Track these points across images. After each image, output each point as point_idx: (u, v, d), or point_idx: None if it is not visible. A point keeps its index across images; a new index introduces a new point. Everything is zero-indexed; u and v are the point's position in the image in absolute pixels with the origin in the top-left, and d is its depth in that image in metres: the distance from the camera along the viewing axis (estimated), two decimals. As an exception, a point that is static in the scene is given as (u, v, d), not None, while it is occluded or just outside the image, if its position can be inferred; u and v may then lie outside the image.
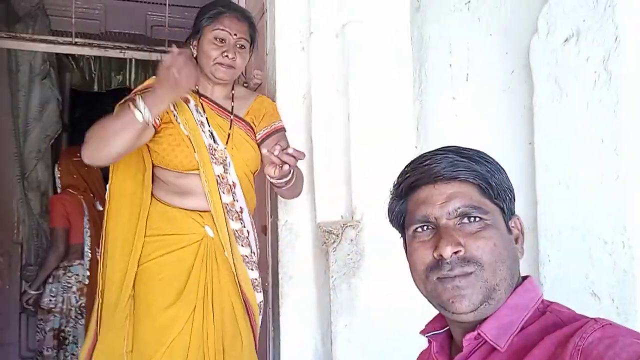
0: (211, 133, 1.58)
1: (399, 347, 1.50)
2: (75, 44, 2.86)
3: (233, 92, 1.69)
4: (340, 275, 1.55)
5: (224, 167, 1.58)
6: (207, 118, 1.60)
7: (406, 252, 0.83)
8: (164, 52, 3.03)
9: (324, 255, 1.62)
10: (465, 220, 0.75)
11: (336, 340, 1.54)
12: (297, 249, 1.75)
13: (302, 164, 1.67)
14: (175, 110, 1.56)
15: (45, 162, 3.88)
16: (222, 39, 1.56)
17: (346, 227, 1.58)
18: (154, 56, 3.07)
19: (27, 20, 3.60)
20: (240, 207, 1.61)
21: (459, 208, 0.75)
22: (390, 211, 0.85)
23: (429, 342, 0.85)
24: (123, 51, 3.01)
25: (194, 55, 1.60)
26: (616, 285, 1.08)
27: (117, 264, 1.54)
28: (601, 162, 1.12)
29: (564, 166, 1.22)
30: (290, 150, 1.31)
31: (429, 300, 0.80)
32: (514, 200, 0.81)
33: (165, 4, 3.31)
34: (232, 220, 1.58)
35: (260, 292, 1.60)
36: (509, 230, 0.79)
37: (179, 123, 1.55)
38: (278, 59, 1.85)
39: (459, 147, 0.81)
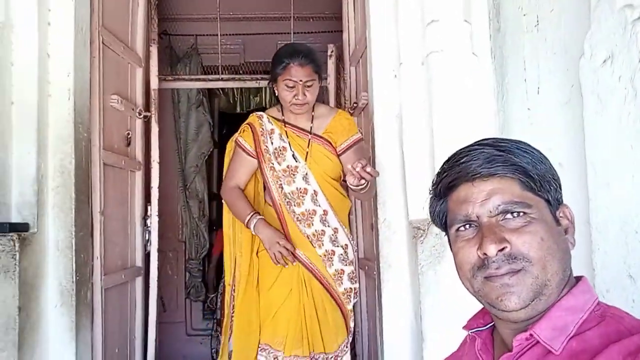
0: (293, 154, 2.09)
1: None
2: (222, 79, 3.54)
3: (313, 113, 2.17)
4: (427, 263, 1.88)
5: (305, 180, 2.06)
6: (289, 142, 2.11)
7: (452, 251, 0.81)
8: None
9: (414, 247, 1.96)
10: (509, 216, 0.73)
11: (424, 317, 1.87)
12: (394, 243, 2.11)
13: (395, 172, 2.04)
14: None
15: (202, 175, 4.66)
16: (292, 86, 2.04)
17: (432, 223, 1.91)
18: (282, 83, 3.64)
19: (185, 60, 4.42)
20: (324, 210, 2.09)
21: (499, 205, 0.73)
22: (432, 211, 0.85)
23: (472, 338, 0.84)
24: (258, 81, 3.62)
25: (276, 95, 2.14)
26: (645, 268, 1.28)
27: (245, 259, 2.16)
28: (632, 166, 1.32)
29: (607, 169, 1.43)
30: (368, 169, 1.71)
31: (478, 300, 0.78)
32: (560, 189, 0.78)
33: (290, 33, 3.87)
34: (312, 225, 2.09)
35: (349, 281, 2.06)
36: (557, 222, 0.76)
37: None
38: (375, 85, 2.23)
39: (496, 140, 0.78)
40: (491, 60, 2.12)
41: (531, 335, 0.71)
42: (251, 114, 2.20)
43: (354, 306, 2.27)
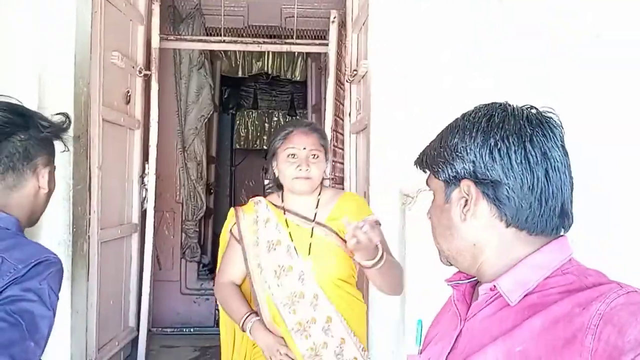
0: (288, 249, 1.66)
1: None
2: (224, 41, 3.53)
3: (319, 196, 1.74)
4: (414, 229, 1.93)
5: (301, 280, 1.62)
6: (289, 233, 1.68)
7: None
8: (292, 43, 3.58)
9: (402, 213, 2.01)
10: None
11: (407, 276, 1.94)
12: (385, 210, 2.16)
13: (392, 142, 2.07)
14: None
15: (200, 138, 4.66)
16: (294, 154, 1.65)
17: (421, 191, 1.96)
18: (284, 48, 3.63)
19: (188, 20, 4.36)
20: (328, 317, 1.60)
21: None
22: None
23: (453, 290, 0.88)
24: (260, 45, 3.60)
25: (276, 176, 1.74)
26: None
27: None
28: None
29: None
30: (365, 229, 1.27)
31: None
32: (459, 164, 0.78)
33: (295, -3, 3.83)
34: (309, 336, 1.60)
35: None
36: (447, 200, 0.80)
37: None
38: (375, 52, 2.23)
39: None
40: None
41: (494, 287, 0.75)
42: (251, 200, 1.82)
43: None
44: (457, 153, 0.77)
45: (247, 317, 1.67)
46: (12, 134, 1.09)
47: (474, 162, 0.76)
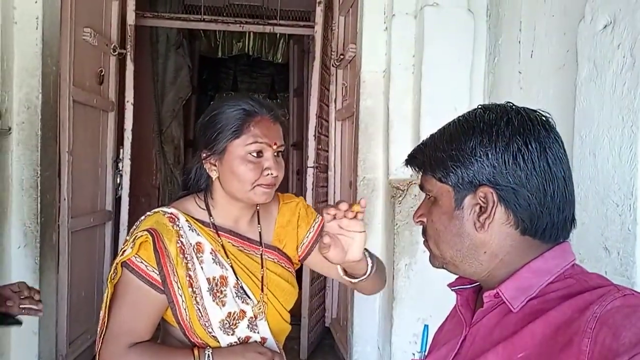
0: (237, 290, 1.15)
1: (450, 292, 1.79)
2: (204, 20, 3.37)
3: (258, 207, 1.23)
4: (404, 223, 1.86)
5: (251, 328, 1.16)
6: (232, 266, 1.15)
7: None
8: (276, 24, 3.44)
9: (392, 206, 1.93)
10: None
11: (397, 277, 1.87)
12: (372, 201, 2.08)
13: (378, 130, 1.97)
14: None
15: (178, 120, 4.54)
16: (260, 152, 1.12)
17: (411, 184, 1.87)
18: (267, 29, 3.49)
19: (165, -3, 4.20)
20: (263, 338, 1.18)
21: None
22: None
23: (457, 295, 0.87)
24: (242, 25, 3.46)
25: (212, 178, 1.16)
26: (622, 241, 1.27)
27: None
28: (621, 138, 1.29)
29: (594, 139, 1.39)
30: (347, 210, 0.89)
31: None
32: (476, 168, 0.72)
33: (278, -22, 3.68)
34: None
35: None
36: (458, 206, 0.75)
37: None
38: (364, 36, 2.13)
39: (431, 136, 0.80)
40: (486, 18, 2.04)
41: (497, 293, 0.74)
42: (154, 212, 1.18)
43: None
44: (476, 157, 0.72)
45: (198, 354, 1.10)
46: None
47: (495, 167, 0.72)
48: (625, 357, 0.56)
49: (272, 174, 1.13)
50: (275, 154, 1.15)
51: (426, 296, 1.82)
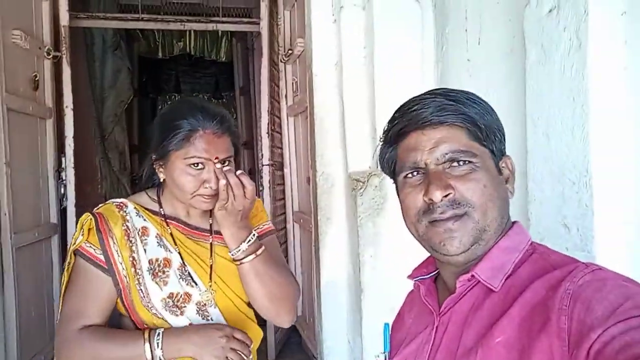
0: (182, 273, 1.20)
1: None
2: (142, 19, 3.23)
3: None
4: (366, 215, 1.86)
5: (200, 313, 1.20)
6: (179, 252, 1.20)
7: (399, 197, 0.82)
8: (219, 22, 3.36)
9: (353, 199, 1.92)
10: (455, 164, 0.74)
11: (363, 268, 1.87)
12: (332, 195, 2.07)
13: (334, 123, 1.96)
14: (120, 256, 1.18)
15: (121, 125, 4.36)
16: (199, 164, 1.15)
17: (371, 175, 1.88)
18: (210, 26, 3.40)
19: (99, -4, 4.01)
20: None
21: (447, 154, 0.74)
22: (381, 158, 0.84)
23: (417, 286, 0.87)
24: (183, 23, 3.35)
25: (160, 180, 1.22)
26: (580, 218, 1.32)
27: None
28: (572, 118, 1.34)
29: (547, 121, 1.44)
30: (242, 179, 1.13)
31: (421, 244, 0.80)
32: (504, 140, 0.81)
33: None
34: None
35: None
36: (499, 171, 0.78)
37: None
38: (314, 30, 2.11)
39: (447, 90, 0.79)
40: (432, 8, 2.07)
41: (473, 276, 0.74)
42: (105, 203, 1.25)
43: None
44: (501, 129, 0.80)
45: (149, 334, 1.13)
46: None
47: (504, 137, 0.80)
48: (599, 330, 0.58)
49: (211, 187, 1.16)
50: (223, 162, 1.17)
51: (393, 285, 1.83)
